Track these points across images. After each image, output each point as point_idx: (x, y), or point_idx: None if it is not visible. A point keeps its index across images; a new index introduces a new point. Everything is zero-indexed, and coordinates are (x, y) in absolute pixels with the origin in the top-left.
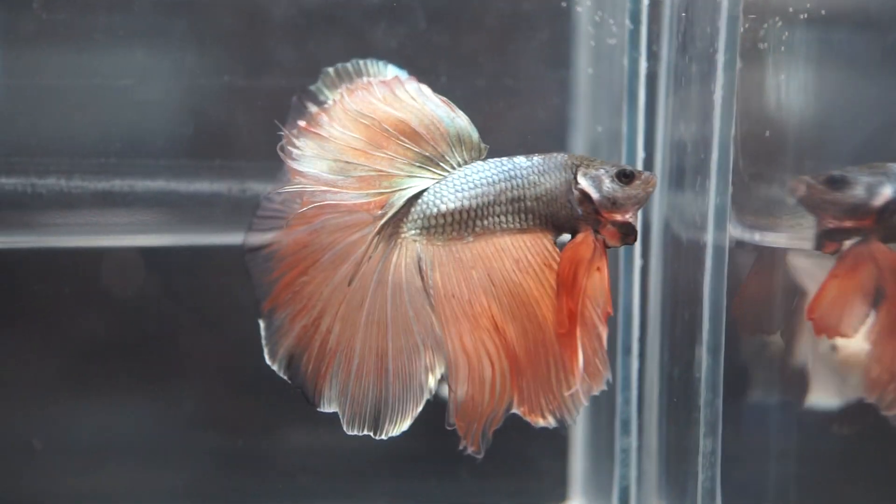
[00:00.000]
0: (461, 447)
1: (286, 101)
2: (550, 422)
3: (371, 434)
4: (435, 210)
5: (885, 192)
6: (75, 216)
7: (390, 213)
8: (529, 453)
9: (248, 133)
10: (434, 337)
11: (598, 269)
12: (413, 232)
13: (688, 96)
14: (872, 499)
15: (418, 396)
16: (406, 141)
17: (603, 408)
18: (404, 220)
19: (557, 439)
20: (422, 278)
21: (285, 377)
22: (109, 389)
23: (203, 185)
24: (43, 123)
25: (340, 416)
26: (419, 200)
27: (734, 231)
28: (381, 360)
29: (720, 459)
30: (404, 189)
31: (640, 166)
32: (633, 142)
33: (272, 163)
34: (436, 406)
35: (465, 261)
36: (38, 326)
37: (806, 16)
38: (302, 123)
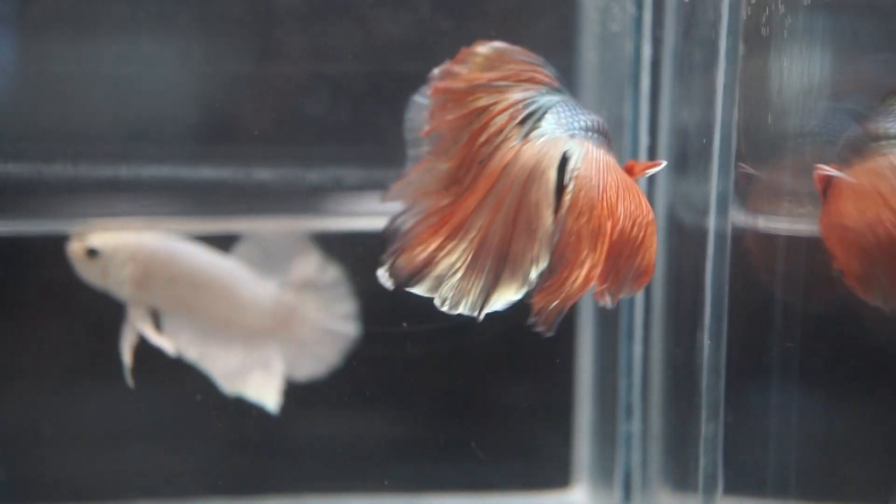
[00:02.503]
0: (530, 322)
1: (291, 87)
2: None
3: (474, 314)
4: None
5: None
6: (82, 202)
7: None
8: (533, 438)
9: (254, 119)
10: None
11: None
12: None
13: (691, 82)
14: (876, 484)
15: (521, 286)
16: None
17: (607, 392)
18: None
19: (561, 424)
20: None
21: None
22: (121, 375)
23: (208, 172)
24: (49, 110)
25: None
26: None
27: (736, 217)
28: (504, 245)
29: (722, 444)
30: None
31: (644, 152)
32: (636, 127)
33: (277, 148)
34: (436, 393)
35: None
36: (48, 313)
37: (809, 1)
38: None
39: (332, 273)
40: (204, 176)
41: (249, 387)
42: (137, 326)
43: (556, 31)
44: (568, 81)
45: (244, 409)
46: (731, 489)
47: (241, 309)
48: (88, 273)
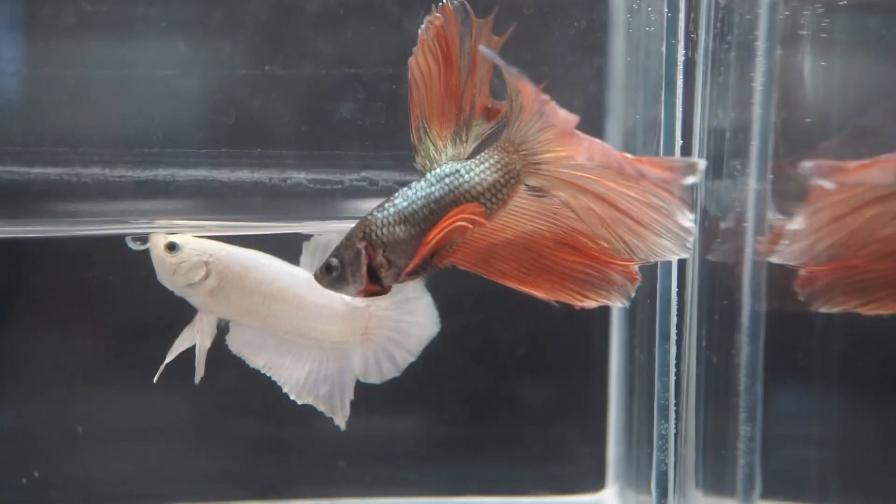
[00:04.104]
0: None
1: (325, 89)
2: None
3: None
4: None
5: None
6: (119, 205)
7: None
8: (565, 440)
9: (289, 122)
10: None
11: None
12: None
13: (726, 83)
14: None
15: None
16: None
17: (638, 394)
18: None
19: (594, 426)
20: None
21: None
22: (150, 375)
23: (244, 174)
24: (86, 114)
25: None
26: None
27: (773, 218)
28: None
29: (760, 445)
30: None
31: (677, 153)
32: (670, 129)
33: (312, 152)
34: (468, 394)
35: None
36: (85, 314)
37: (846, 2)
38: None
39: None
40: (240, 178)
41: (320, 400)
42: (197, 335)
43: (590, 33)
44: (601, 83)
45: (275, 411)
46: (768, 492)
47: (313, 320)
48: (161, 266)
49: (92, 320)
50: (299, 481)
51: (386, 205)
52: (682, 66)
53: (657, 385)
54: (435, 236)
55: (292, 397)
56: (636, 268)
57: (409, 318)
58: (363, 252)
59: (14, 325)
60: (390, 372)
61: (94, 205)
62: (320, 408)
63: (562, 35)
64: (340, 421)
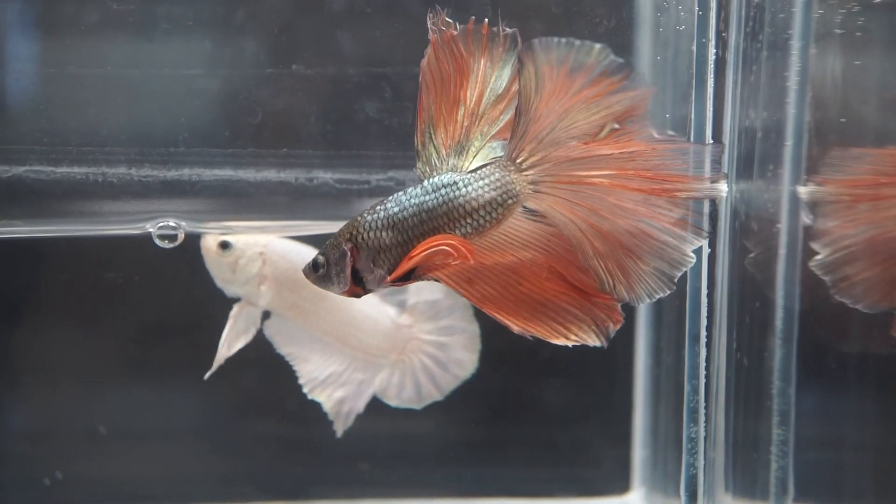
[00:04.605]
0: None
1: (352, 89)
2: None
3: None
4: None
5: None
6: (145, 204)
7: None
8: (590, 443)
9: (315, 122)
10: None
11: None
12: None
13: (757, 82)
14: None
15: None
16: None
17: (665, 396)
18: None
19: (618, 428)
20: None
21: None
22: (174, 375)
23: (270, 174)
24: (112, 113)
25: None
26: None
27: (807, 219)
28: None
29: (793, 449)
30: None
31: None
32: (701, 128)
33: (339, 152)
34: (492, 396)
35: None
36: (110, 313)
37: (881, 0)
38: None
39: (453, 300)
40: (266, 178)
41: (330, 399)
42: (240, 325)
43: (619, 32)
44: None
45: (298, 412)
46: (800, 495)
47: (356, 328)
48: (218, 268)
49: (117, 320)
50: (322, 483)
51: (378, 208)
52: (713, 65)
53: (687, 388)
54: (419, 254)
55: (305, 390)
56: (619, 307)
57: (450, 354)
58: (348, 254)
59: (38, 326)
60: (410, 401)
61: (120, 204)
62: (326, 408)
63: (592, 34)
64: (339, 428)
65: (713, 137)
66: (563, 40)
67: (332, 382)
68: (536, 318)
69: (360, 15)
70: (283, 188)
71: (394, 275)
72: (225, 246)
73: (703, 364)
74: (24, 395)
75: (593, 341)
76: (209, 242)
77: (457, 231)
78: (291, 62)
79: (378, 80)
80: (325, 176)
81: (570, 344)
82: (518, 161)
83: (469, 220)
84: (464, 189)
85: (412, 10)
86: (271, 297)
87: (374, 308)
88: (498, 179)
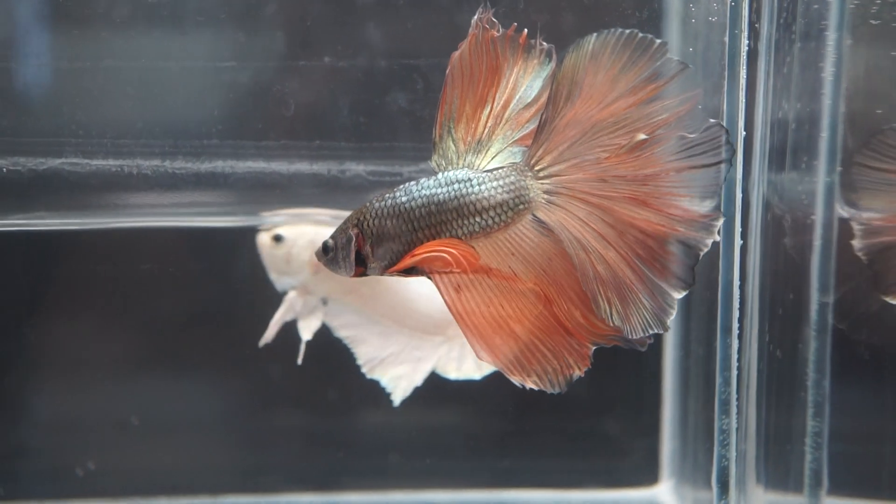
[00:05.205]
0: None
1: (384, 80)
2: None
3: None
4: None
5: None
6: (179, 196)
7: None
8: (618, 434)
9: (348, 114)
10: None
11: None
12: None
13: (790, 74)
14: None
15: None
16: None
17: (694, 388)
18: None
19: (647, 420)
20: None
21: None
22: (205, 367)
23: (303, 166)
24: (146, 106)
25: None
26: None
27: (841, 211)
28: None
29: (827, 441)
30: None
31: (740, 145)
32: (733, 120)
33: (371, 144)
34: (522, 386)
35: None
36: (145, 305)
37: None
38: None
39: None
40: (298, 170)
41: (388, 375)
42: (300, 309)
43: (652, 23)
44: None
45: (326, 404)
46: (834, 488)
47: (413, 307)
48: (274, 260)
49: (152, 312)
50: (352, 474)
51: (387, 196)
52: (745, 56)
53: (718, 379)
54: (422, 254)
55: (363, 370)
56: (590, 354)
57: None
58: (353, 238)
59: (72, 317)
60: (469, 372)
61: (155, 196)
62: (384, 382)
63: (625, 24)
64: (396, 398)
65: (745, 129)
66: (626, 31)
67: (391, 362)
68: (505, 347)
69: (391, 6)
70: (315, 180)
71: (394, 268)
72: (278, 239)
73: (734, 356)
74: (57, 387)
75: (549, 388)
76: (263, 238)
77: (464, 228)
78: (323, 54)
79: (410, 71)
80: (357, 168)
81: (527, 387)
82: (536, 168)
83: (478, 219)
84: (477, 187)
85: (443, 2)
86: (328, 283)
87: (429, 286)
88: (513, 182)
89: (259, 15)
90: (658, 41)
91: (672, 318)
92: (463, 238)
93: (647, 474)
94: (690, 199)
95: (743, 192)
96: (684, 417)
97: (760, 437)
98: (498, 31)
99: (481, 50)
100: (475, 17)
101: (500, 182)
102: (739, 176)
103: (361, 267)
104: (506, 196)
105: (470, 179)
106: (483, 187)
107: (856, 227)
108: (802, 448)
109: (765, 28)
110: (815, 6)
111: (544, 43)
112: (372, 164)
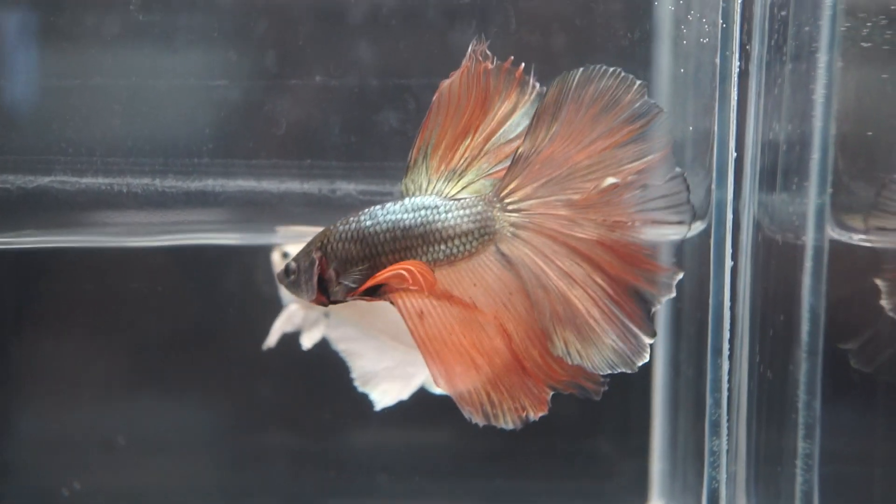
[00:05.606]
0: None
1: (375, 100)
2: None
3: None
4: None
5: None
6: (169, 215)
7: None
8: (607, 454)
9: (339, 133)
10: None
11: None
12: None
13: (781, 95)
14: None
15: None
16: None
17: (684, 409)
18: None
19: (636, 440)
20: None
21: None
22: (192, 387)
23: (294, 185)
24: (136, 124)
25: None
26: None
27: (831, 232)
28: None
29: (818, 463)
30: None
31: (731, 166)
32: (724, 141)
33: (362, 163)
34: None
35: None
36: (133, 324)
37: None
38: None
39: None
40: (289, 189)
41: (378, 390)
42: (300, 322)
43: (642, 44)
44: (655, 94)
45: (315, 423)
46: None
47: None
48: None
49: (141, 330)
50: (340, 493)
51: (351, 219)
52: (736, 78)
53: (709, 400)
54: (383, 274)
55: (356, 383)
56: (549, 398)
57: None
58: (316, 262)
59: (60, 336)
60: None
61: (145, 215)
62: (373, 395)
63: (616, 46)
64: (378, 405)
65: (736, 149)
66: (609, 70)
67: (385, 377)
68: (464, 378)
69: (383, 26)
70: (305, 199)
71: (357, 290)
72: (286, 256)
73: (725, 377)
74: (43, 406)
75: (501, 425)
76: (275, 255)
77: (429, 255)
78: (315, 73)
79: (401, 91)
80: (347, 187)
81: (480, 423)
82: (506, 200)
83: (443, 247)
84: (444, 214)
85: (436, 22)
86: None
87: None
88: (479, 213)
89: (251, 33)
90: (638, 82)
91: (643, 362)
92: (427, 265)
93: (636, 495)
94: (652, 251)
95: (734, 213)
96: (674, 438)
97: (751, 459)
98: (493, 63)
99: (472, 82)
100: (469, 48)
101: (467, 211)
102: (730, 196)
103: (323, 292)
104: (472, 226)
105: (437, 206)
106: (450, 215)
107: (881, 284)
108: (793, 470)
109: (755, 49)
110: (807, 28)
111: (538, 84)
112: (363, 184)
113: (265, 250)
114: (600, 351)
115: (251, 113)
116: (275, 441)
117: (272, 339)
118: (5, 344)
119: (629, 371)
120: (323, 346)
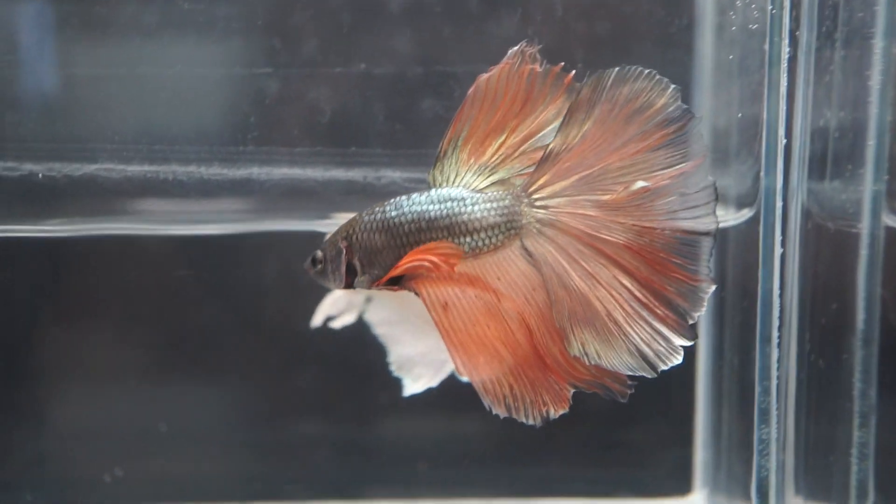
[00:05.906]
0: None
1: (420, 87)
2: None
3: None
4: None
5: None
6: (215, 203)
7: None
8: (649, 443)
9: (383, 121)
10: None
11: None
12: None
13: (832, 82)
14: None
15: None
16: None
17: (728, 397)
18: None
19: (679, 429)
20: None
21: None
22: (234, 375)
23: (339, 173)
24: (181, 112)
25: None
26: None
27: (886, 220)
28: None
29: (873, 452)
30: None
31: (780, 154)
32: (773, 128)
33: (406, 151)
34: None
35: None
36: (175, 312)
37: None
38: None
39: None
40: (334, 176)
41: (412, 374)
42: (341, 305)
43: (689, 30)
44: (688, 79)
45: (355, 412)
46: (881, 500)
47: None
48: None
49: (183, 318)
50: (379, 482)
51: (377, 209)
52: (786, 64)
53: (758, 389)
54: (406, 262)
55: (392, 367)
56: (569, 397)
57: None
58: (343, 251)
59: (106, 324)
60: None
61: (189, 202)
62: (406, 379)
63: (663, 33)
64: (407, 391)
65: (786, 136)
66: (645, 71)
67: (419, 361)
68: (487, 368)
69: (428, 14)
70: (350, 187)
71: (381, 280)
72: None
73: (774, 365)
74: (86, 394)
75: (522, 419)
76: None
77: None
78: (360, 61)
79: (446, 78)
80: (392, 174)
81: (501, 415)
82: (533, 196)
83: (468, 240)
84: (471, 207)
85: (480, 10)
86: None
87: None
88: (507, 206)
89: (294, 22)
90: (672, 86)
91: (670, 365)
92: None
93: (678, 485)
94: (683, 261)
95: (783, 201)
96: (717, 427)
97: (800, 448)
98: (541, 66)
99: (512, 79)
100: (516, 47)
101: (495, 204)
102: (779, 185)
103: (350, 279)
104: (498, 219)
105: (464, 199)
106: (476, 208)
107: None
108: (848, 459)
109: (804, 36)
110: (860, 14)
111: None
112: (407, 171)
113: (310, 238)
114: (619, 353)
115: (295, 101)
116: (314, 429)
117: (318, 319)
118: (51, 330)
119: (649, 376)
120: (361, 335)
